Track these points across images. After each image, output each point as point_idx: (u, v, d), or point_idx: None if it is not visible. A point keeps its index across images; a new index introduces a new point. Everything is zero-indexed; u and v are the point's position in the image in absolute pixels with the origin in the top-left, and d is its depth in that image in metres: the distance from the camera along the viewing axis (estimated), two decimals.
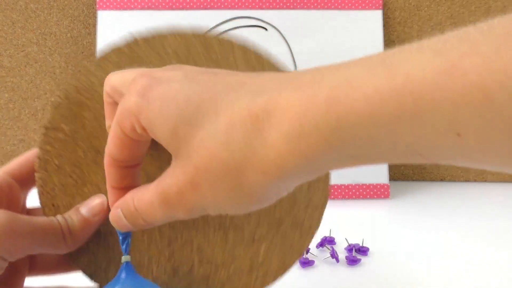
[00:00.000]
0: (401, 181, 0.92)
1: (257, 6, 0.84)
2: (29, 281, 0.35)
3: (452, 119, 0.19)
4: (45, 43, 0.90)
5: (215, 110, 0.24)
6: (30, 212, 0.36)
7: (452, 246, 0.62)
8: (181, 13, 0.84)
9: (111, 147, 0.28)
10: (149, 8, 0.85)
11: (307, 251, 0.57)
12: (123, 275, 0.31)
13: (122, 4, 0.85)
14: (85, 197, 0.33)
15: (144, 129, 0.26)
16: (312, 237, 0.35)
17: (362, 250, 0.59)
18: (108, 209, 0.31)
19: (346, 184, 0.81)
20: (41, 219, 0.30)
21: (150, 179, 0.30)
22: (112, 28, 0.85)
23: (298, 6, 0.84)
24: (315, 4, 0.84)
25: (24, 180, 0.34)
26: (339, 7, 0.85)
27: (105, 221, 0.32)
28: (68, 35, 0.90)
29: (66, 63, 0.91)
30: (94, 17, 0.90)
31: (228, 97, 0.24)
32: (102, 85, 0.34)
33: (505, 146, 0.19)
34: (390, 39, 0.90)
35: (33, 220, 0.30)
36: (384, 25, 0.88)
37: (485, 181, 0.92)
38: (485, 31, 0.20)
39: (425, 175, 0.93)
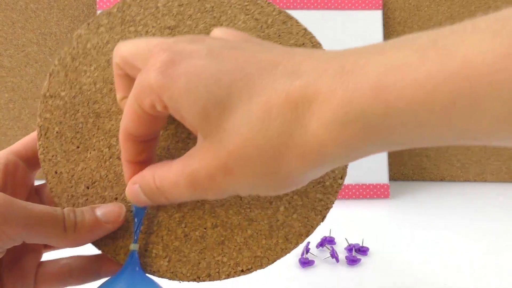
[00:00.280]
0: (401, 181, 0.92)
1: None
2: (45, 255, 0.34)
3: None
4: (45, 43, 0.90)
5: (248, 92, 0.23)
6: (40, 188, 0.35)
7: (452, 246, 0.62)
8: None
9: (127, 122, 0.27)
10: None
11: (307, 251, 0.57)
12: (124, 270, 0.30)
13: None
14: (88, 162, 0.32)
15: (165, 107, 0.25)
16: (334, 196, 0.33)
17: (362, 250, 0.59)
18: (124, 219, 0.31)
19: (346, 184, 0.81)
20: (41, 208, 0.28)
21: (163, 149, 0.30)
22: None
23: (298, 6, 0.84)
24: (315, 4, 0.84)
25: (31, 159, 0.33)
26: (339, 7, 0.85)
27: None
28: (68, 35, 0.90)
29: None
30: None
31: (262, 79, 0.23)
32: (96, 49, 0.34)
33: None
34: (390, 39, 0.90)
35: (29, 207, 0.28)
36: (384, 25, 0.88)
37: (485, 181, 0.92)
38: None
39: (425, 175, 0.93)
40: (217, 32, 0.30)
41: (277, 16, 0.34)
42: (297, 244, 0.32)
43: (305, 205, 0.32)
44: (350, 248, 0.58)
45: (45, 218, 0.28)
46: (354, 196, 0.81)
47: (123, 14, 0.34)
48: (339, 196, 0.80)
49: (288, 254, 0.32)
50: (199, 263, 0.32)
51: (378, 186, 0.82)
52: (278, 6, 0.34)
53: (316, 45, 0.34)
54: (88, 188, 0.33)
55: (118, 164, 0.33)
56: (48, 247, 0.34)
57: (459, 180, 0.92)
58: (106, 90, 0.33)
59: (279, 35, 0.34)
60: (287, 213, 0.32)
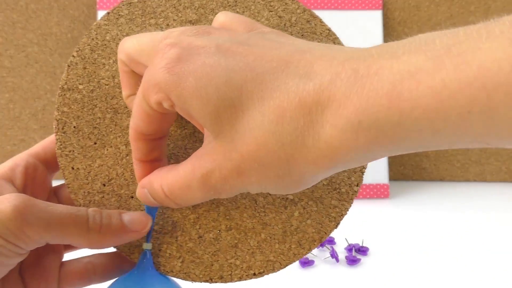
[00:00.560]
0: (400, 181, 0.92)
1: None
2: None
3: None
4: (46, 43, 0.90)
5: (260, 94, 0.23)
6: (58, 189, 0.35)
7: (452, 245, 0.62)
8: None
9: (137, 121, 0.27)
10: None
11: None
12: (136, 268, 0.30)
13: None
14: (105, 160, 0.32)
15: (172, 105, 0.25)
16: (349, 203, 0.32)
17: (362, 250, 0.59)
18: (149, 230, 0.30)
19: None
20: (62, 208, 0.28)
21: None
22: None
23: None
24: (315, 4, 0.84)
25: (50, 162, 0.33)
26: (339, 7, 0.85)
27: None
28: (69, 35, 0.90)
29: (67, 63, 0.91)
30: (94, 17, 0.90)
31: (274, 80, 0.23)
32: (115, 41, 0.33)
33: None
34: (390, 40, 0.90)
35: (51, 209, 0.27)
36: (384, 25, 0.89)
37: (485, 181, 0.92)
38: None
39: (425, 175, 0.93)
40: (221, 17, 0.29)
41: (301, 14, 0.33)
42: (309, 250, 0.32)
43: (320, 211, 0.32)
44: (350, 248, 0.59)
45: (68, 219, 0.28)
46: None
47: (144, 5, 0.33)
48: None
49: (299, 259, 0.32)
50: (212, 265, 0.31)
51: (378, 186, 0.82)
52: (303, 4, 0.33)
53: None
54: (104, 185, 0.32)
55: None
56: (68, 248, 0.34)
57: (459, 180, 0.92)
58: (124, 96, 0.33)
59: (302, 35, 0.33)
60: (301, 219, 0.32)
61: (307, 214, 0.32)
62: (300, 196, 0.32)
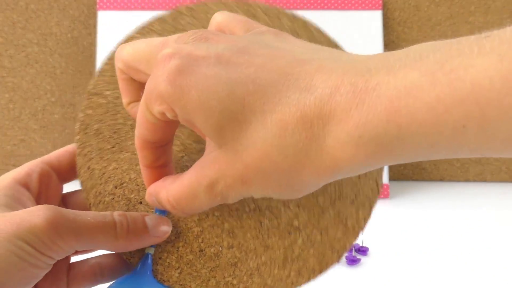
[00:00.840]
0: (401, 181, 0.92)
1: None
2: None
3: None
4: (46, 43, 0.90)
5: (262, 108, 0.23)
6: (66, 198, 0.35)
7: (452, 245, 0.62)
8: None
9: (142, 131, 0.27)
10: (149, 8, 0.85)
11: None
12: (135, 272, 0.30)
13: (122, 4, 0.85)
14: (120, 163, 0.33)
15: (175, 115, 0.25)
16: (354, 239, 0.33)
17: (362, 250, 0.59)
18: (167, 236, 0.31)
19: None
20: (90, 216, 0.28)
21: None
22: (112, 29, 0.85)
23: (298, 6, 0.84)
24: (315, 4, 0.84)
25: (62, 172, 0.34)
26: (339, 7, 0.85)
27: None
28: (69, 35, 0.90)
29: (67, 63, 0.91)
30: (95, 17, 0.90)
31: (275, 93, 0.23)
32: None
33: None
34: (390, 40, 0.90)
35: (79, 218, 0.28)
36: (383, 26, 0.89)
37: (485, 181, 0.92)
38: None
39: (425, 175, 0.93)
40: (218, 17, 0.29)
41: (326, 45, 0.34)
42: (309, 279, 0.32)
43: (324, 242, 0.32)
44: (350, 248, 0.59)
45: (96, 227, 0.28)
46: None
47: (176, 22, 0.34)
48: None
49: None
50: (209, 280, 0.32)
51: None
52: (329, 35, 0.34)
53: None
54: (116, 188, 0.33)
55: None
56: (77, 252, 0.34)
57: (458, 180, 0.92)
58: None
59: None
60: (304, 247, 0.32)
61: (310, 243, 0.32)
62: (305, 224, 0.32)
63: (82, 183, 0.33)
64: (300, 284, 0.32)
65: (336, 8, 0.85)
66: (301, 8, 0.84)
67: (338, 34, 0.85)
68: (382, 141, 0.22)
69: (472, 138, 0.20)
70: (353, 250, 0.59)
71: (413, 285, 0.52)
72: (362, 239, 0.62)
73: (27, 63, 0.90)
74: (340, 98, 0.22)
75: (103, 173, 0.33)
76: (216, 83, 0.24)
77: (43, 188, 0.32)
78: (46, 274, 0.31)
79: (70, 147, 0.34)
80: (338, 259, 0.32)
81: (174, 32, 0.33)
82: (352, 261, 0.56)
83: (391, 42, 0.90)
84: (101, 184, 0.33)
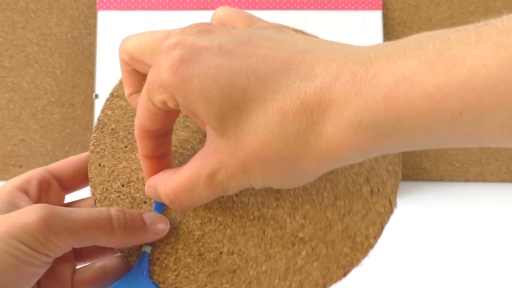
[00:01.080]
0: (401, 181, 0.92)
1: (257, 7, 0.84)
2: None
3: None
4: (46, 43, 0.90)
5: (263, 96, 0.24)
6: (70, 206, 0.35)
7: (452, 245, 0.62)
8: (181, 13, 0.84)
9: (142, 119, 0.28)
10: (149, 8, 0.85)
11: None
12: (132, 271, 0.30)
13: (122, 4, 0.85)
14: (130, 163, 0.34)
15: (177, 104, 0.25)
16: (363, 256, 0.31)
17: None
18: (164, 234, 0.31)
19: None
20: (85, 212, 0.28)
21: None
22: (112, 29, 0.85)
23: (298, 6, 0.84)
24: (315, 4, 0.84)
25: (64, 181, 0.34)
26: (339, 7, 0.85)
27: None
28: (69, 35, 0.91)
29: (67, 63, 0.91)
30: (94, 17, 0.90)
31: (276, 82, 0.24)
32: None
33: None
34: (390, 40, 0.90)
35: (74, 215, 0.28)
36: (383, 26, 0.89)
37: (485, 181, 0.92)
38: None
39: (425, 175, 0.93)
40: (220, 12, 0.30)
41: None
42: None
43: (329, 256, 0.31)
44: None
45: (91, 223, 0.28)
46: None
47: None
48: None
49: None
50: (205, 285, 0.31)
51: None
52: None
53: None
54: (123, 186, 0.33)
55: None
56: (81, 260, 0.34)
57: (458, 180, 0.92)
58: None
59: None
60: (308, 259, 0.31)
61: (315, 256, 0.31)
62: (311, 236, 0.31)
63: (91, 179, 0.33)
64: None
65: (336, 8, 0.85)
66: (301, 8, 0.84)
67: (338, 34, 0.85)
68: (381, 128, 0.22)
69: (469, 124, 0.21)
70: None
71: (413, 285, 0.52)
72: None
73: (27, 63, 0.90)
74: (340, 86, 0.23)
75: (113, 171, 0.34)
76: (218, 72, 0.24)
77: (43, 194, 0.32)
78: (50, 279, 0.31)
79: (74, 158, 0.34)
80: (343, 275, 0.31)
81: None
82: None
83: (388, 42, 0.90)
84: (109, 181, 0.33)
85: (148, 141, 0.29)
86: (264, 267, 0.31)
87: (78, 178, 0.34)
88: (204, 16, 0.84)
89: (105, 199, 0.33)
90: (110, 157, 0.34)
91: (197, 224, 0.32)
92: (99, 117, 0.35)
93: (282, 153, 0.24)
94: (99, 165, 0.34)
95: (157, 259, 0.32)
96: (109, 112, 0.35)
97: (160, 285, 0.31)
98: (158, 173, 0.29)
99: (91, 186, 0.33)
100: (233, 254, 0.31)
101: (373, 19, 0.85)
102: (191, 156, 0.33)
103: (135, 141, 0.33)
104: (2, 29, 0.89)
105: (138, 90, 0.31)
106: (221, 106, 0.24)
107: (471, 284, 0.52)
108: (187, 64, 0.24)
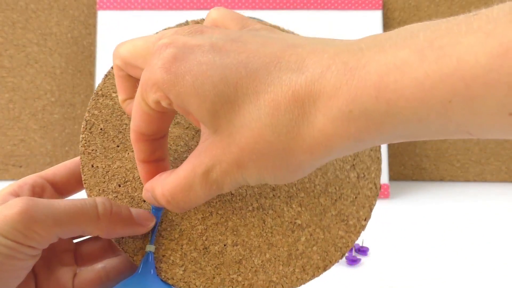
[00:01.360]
0: (401, 181, 0.92)
1: (257, 7, 0.84)
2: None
3: (505, 101, 0.20)
4: (46, 43, 0.90)
5: (255, 89, 0.24)
6: None
7: (452, 245, 0.62)
8: (181, 13, 0.84)
9: (137, 122, 0.28)
10: (149, 8, 0.85)
11: None
12: (138, 271, 0.30)
13: (122, 4, 0.85)
14: (124, 162, 0.33)
15: (170, 103, 0.26)
16: (356, 237, 0.34)
17: (362, 250, 0.59)
18: (152, 226, 0.31)
19: None
20: (67, 202, 0.28)
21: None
22: (112, 28, 0.85)
23: (298, 7, 0.84)
24: (315, 4, 0.84)
25: (59, 186, 0.34)
26: (339, 7, 0.85)
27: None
28: (69, 35, 0.91)
29: (67, 63, 0.91)
30: (94, 17, 0.90)
31: (267, 75, 0.24)
32: None
33: None
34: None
35: (56, 204, 0.28)
36: (384, 26, 0.89)
37: (485, 181, 0.92)
38: None
39: (425, 175, 0.93)
40: (213, 13, 0.30)
41: None
42: (313, 276, 0.33)
43: (326, 240, 0.33)
44: (352, 246, 0.59)
45: (75, 209, 0.28)
46: None
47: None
48: None
49: (303, 286, 0.33)
50: (214, 278, 0.32)
51: None
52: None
53: None
54: (119, 186, 0.33)
55: None
56: (82, 263, 0.34)
57: (458, 180, 0.92)
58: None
59: None
60: (308, 244, 0.33)
61: (314, 240, 0.33)
62: (308, 223, 0.33)
63: (85, 181, 0.33)
64: (305, 281, 0.32)
65: (336, 8, 0.85)
66: (301, 8, 0.84)
67: (338, 34, 0.85)
68: (372, 116, 0.22)
69: (458, 113, 0.21)
70: (353, 250, 0.59)
71: (413, 285, 0.52)
72: (362, 239, 0.62)
73: (27, 63, 0.90)
74: (330, 76, 0.23)
75: (107, 171, 0.33)
76: (210, 68, 0.24)
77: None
78: (50, 284, 0.31)
79: (69, 162, 0.34)
80: (341, 256, 0.33)
81: None
82: (352, 261, 0.56)
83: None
84: (104, 182, 0.33)
85: (144, 145, 0.29)
86: (267, 255, 0.32)
87: (73, 182, 0.34)
88: (204, 16, 0.84)
89: None
90: (103, 157, 0.34)
91: (198, 219, 0.33)
92: (86, 117, 0.34)
93: (276, 145, 0.24)
94: (92, 166, 0.33)
95: (163, 256, 0.32)
96: (96, 112, 0.34)
97: (169, 281, 0.32)
98: (155, 176, 0.29)
99: (86, 188, 0.33)
100: (237, 245, 0.32)
101: (373, 19, 0.85)
102: (185, 152, 0.34)
103: (127, 140, 0.33)
104: (2, 29, 0.89)
105: (132, 96, 0.31)
106: (214, 102, 0.24)
107: (471, 284, 0.52)
108: (179, 62, 0.25)
